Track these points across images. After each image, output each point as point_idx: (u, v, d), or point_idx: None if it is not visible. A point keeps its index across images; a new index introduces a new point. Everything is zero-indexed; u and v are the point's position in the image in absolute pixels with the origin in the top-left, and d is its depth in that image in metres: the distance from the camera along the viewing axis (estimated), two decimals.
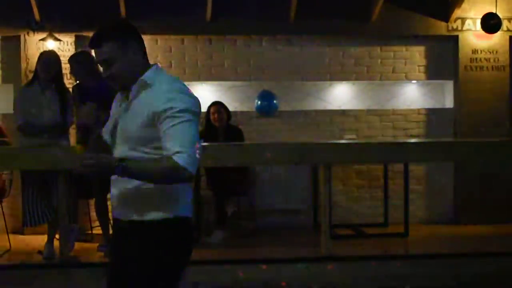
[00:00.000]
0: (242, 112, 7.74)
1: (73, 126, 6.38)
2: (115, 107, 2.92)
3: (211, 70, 7.74)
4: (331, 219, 6.05)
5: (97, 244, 6.23)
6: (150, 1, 7.40)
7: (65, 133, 6.23)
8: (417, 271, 5.62)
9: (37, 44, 7.23)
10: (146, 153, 2.71)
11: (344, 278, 5.55)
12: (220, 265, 5.44)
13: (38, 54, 6.26)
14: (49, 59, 6.05)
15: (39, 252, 6.03)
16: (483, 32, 7.62)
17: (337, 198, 7.63)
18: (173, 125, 2.64)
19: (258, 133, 7.77)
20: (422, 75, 8.02)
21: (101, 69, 6.77)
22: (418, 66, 8.01)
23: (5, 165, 5.91)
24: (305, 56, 7.86)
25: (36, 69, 6.10)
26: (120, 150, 2.78)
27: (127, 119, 2.77)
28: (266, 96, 7.73)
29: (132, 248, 2.76)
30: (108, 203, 6.35)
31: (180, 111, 2.65)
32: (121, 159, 2.62)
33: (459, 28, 7.79)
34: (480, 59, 7.82)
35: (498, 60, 7.82)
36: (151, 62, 2.89)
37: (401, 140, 7.64)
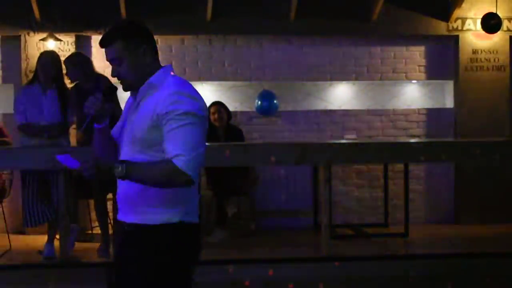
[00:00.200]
0: (242, 112, 7.75)
1: (73, 126, 6.39)
2: (125, 108, 2.91)
3: (211, 70, 7.75)
4: (332, 219, 6.05)
5: (98, 244, 6.22)
6: (150, 1, 7.40)
7: (65, 133, 6.23)
8: (417, 271, 5.61)
9: (37, 44, 7.23)
10: (151, 155, 2.68)
11: (344, 278, 5.55)
12: (220, 265, 5.44)
13: (38, 54, 6.26)
14: (49, 59, 6.05)
15: (39, 252, 6.03)
16: (483, 32, 7.61)
17: (338, 198, 7.63)
18: (175, 128, 2.62)
19: (258, 133, 7.77)
20: (422, 75, 8.02)
21: (97, 69, 6.75)
22: (418, 66, 8.01)
23: (5, 165, 5.91)
24: (305, 56, 7.86)
25: (36, 69, 6.10)
26: (126, 151, 2.77)
27: (134, 121, 2.76)
28: (267, 96, 7.73)
29: (134, 251, 2.74)
30: (108, 203, 6.35)
31: (183, 113, 2.62)
32: (121, 162, 2.62)
33: (460, 28, 7.79)
34: (480, 59, 7.81)
35: (498, 60, 7.82)
36: None
37: (401, 140, 7.64)
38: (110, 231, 6.28)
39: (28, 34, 7.26)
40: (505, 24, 7.74)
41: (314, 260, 5.74)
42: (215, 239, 6.62)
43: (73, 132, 6.55)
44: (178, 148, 2.59)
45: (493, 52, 7.82)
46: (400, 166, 7.45)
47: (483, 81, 7.82)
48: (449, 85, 8.01)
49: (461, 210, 7.78)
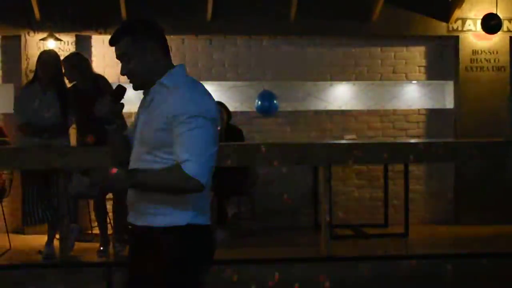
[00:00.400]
0: (242, 112, 7.75)
1: (73, 126, 6.39)
2: (138, 108, 2.89)
3: (211, 70, 7.75)
4: (331, 219, 6.04)
5: (97, 244, 6.22)
6: (151, 1, 7.40)
7: (66, 133, 6.23)
8: (417, 272, 5.61)
9: (37, 44, 7.23)
10: (160, 157, 2.65)
11: (344, 278, 5.55)
12: (220, 265, 5.43)
13: (38, 54, 6.26)
14: (48, 58, 6.04)
15: (39, 252, 6.03)
16: (483, 33, 7.61)
17: (337, 198, 7.63)
18: (183, 132, 2.58)
19: (258, 133, 7.77)
20: (423, 76, 8.02)
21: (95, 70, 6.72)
22: (419, 66, 8.02)
23: (5, 165, 5.91)
24: (305, 56, 7.86)
25: (36, 68, 6.10)
26: (137, 152, 2.75)
27: (144, 121, 2.74)
28: (267, 96, 7.73)
29: (143, 254, 2.73)
30: (108, 203, 6.35)
31: (191, 117, 2.57)
32: (131, 171, 2.60)
33: (460, 28, 7.79)
34: (481, 60, 7.82)
35: (498, 60, 7.83)
36: None
37: (401, 140, 7.64)
38: (110, 231, 6.29)
39: (28, 34, 7.26)
40: (505, 24, 7.75)
41: (314, 260, 5.74)
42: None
43: (73, 132, 6.55)
44: (187, 153, 2.55)
45: (493, 52, 7.82)
46: (400, 167, 7.44)
47: (483, 81, 7.82)
48: (449, 86, 8.01)
49: (461, 210, 7.78)
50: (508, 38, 7.84)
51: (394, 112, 8.01)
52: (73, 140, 6.49)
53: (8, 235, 6.47)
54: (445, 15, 7.76)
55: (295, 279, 5.48)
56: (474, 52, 7.82)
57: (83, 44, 7.33)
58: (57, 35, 7.21)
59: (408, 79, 8.01)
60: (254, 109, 7.77)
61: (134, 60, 2.73)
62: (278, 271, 5.52)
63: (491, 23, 7.49)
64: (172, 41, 7.66)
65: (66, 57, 6.22)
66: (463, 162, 7.39)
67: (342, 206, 7.73)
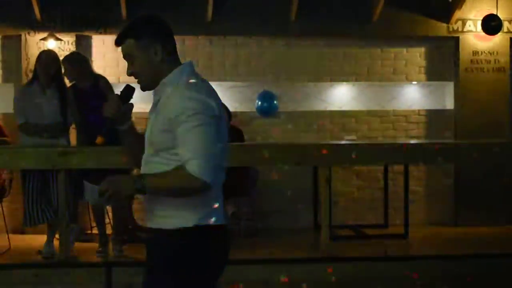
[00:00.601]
0: (242, 113, 7.74)
1: (73, 126, 6.39)
2: (150, 109, 2.86)
3: (211, 70, 7.74)
4: (331, 220, 6.04)
5: (97, 244, 6.22)
6: (151, 1, 7.40)
7: (65, 133, 6.23)
8: (417, 273, 5.61)
9: (37, 43, 7.23)
10: (167, 158, 2.63)
11: (344, 279, 5.54)
12: None
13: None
14: (48, 58, 6.05)
15: (39, 252, 6.03)
16: (483, 34, 7.61)
17: (337, 199, 7.62)
18: (185, 131, 2.55)
19: (258, 133, 7.77)
20: (423, 76, 8.02)
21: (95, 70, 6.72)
22: (419, 67, 8.02)
23: (5, 165, 5.90)
24: (305, 57, 7.86)
25: (35, 68, 6.10)
26: (146, 154, 2.74)
27: (152, 123, 2.72)
28: (267, 97, 7.73)
29: (154, 256, 2.73)
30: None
31: (192, 115, 2.55)
32: (139, 176, 2.58)
33: (460, 29, 7.79)
34: (481, 61, 7.82)
35: (498, 61, 7.83)
36: None
37: (401, 141, 7.64)
38: (109, 231, 6.28)
39: (29, 33, 7.26)
40: (506, 25, 7.75)
41: (313, 260, 5.74)
42: None
43: (73, 132, 6.55)
44: (189, 153, 2.53)
45: (493, 53, 7.82)
46: (400, 167, 7.44)
47: (483, 82, 7.82)
48: (449, 87, 8.01)
49: (461, 211, 7.77)
50: (508, 39, 7.84)
51: (394, 112, 8.01)
52: (73, 140, 6.49)
53: (8, 235, 6.47)
54: (445, 16, 7.76)
55: (295, 279, 5.48)
56: (474, 53, 7.82)
57: (83, 44, 7.33)
58: (57, 35, 7.20)
59: (408, 80, 8.01)
60: (254, 110, 7.77)
61: (137, 61, 2.72)
62: (278, 271, 5.52)
63: (491, 24, 7.49)
64: None
65: (67, 56, 6.22)
66: (463, 163, 7.39)
67: (342, 207, 7.73)
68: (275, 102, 7.74)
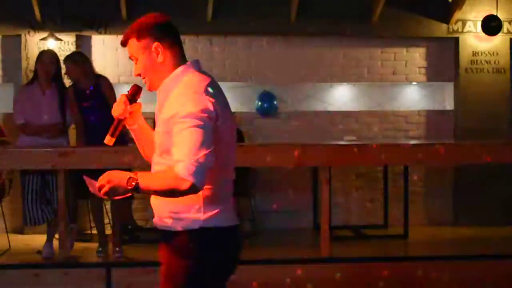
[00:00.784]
0: (242, 113, 7.74)
1: (73, 126, 6.39)
2: None
3: (211, 70, 7.73)
4: (331, 220, 6.04)
5: (97, 244, 6.22)
6: (151, 1, 7.39)
7: (65, 133, 6.24)
8: (417, 273, 5.61)
9: (37, 43, 7.23)
10: (167, 159, 2.60)
11: (343, 279, 5.54)
12: None
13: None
14: (48, 58, 6.05)
15: (39, 252, 6.03)
16: (483, 34, 7.61)
17: (337, 199, 7.62)
18: (177, 132, 2.52)
19: (258, 134, 7.76)
20: (423, 77, 8.02)
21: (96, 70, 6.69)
22: (419, 68, 8.01)
23: (5, 165, 5.90)
24: (305, 57, 7.86)
25: (35, 68, 6.10)
26: (155, 154, 2.74)
27: (157, 124, 2.71)
28: (267, 97, 7.73)
29: (162, 256, 2.73)
30: (107, 203, 6.35)
31: (185, 116, 2.51)
32: (134, 175, 2.58)
33: (460, 30, 7.79)
34: (481, 61, 7.82)
35: (498, 62, 7.83)
36: None
37: (401, 141, 7.63)
38: (108, 232, 6.28)
39: (29, 33, 7.26)
40: (506, 26, 7.75)
41: (313, 261, 5.73)
42: None
43: (72, 132, 6.55)
44: (179, 154, 2.49)
45: (493, 54, 7.82)
46: (400, 168, 7.44)
47: (483, 83, 7.82)
48: (449, 87, 8.01)
49: (461, 212, 7.78)
50: (508, 39, 7.84)
51: (394, 113, 8.01)
52: (72, 140, 6.49)
53: (7, 235, 6.47)
54: (445, 17, 7.76)
55: (294, 280, 5.48)
56: (474, 53, 7.82)
57: (83, 44, 7.32)
58: (57, 35, 7.21)
59: (408, 80, 8.01)
60: (254, 110, 7.76)
61: (141, 61, 2.72)
62: (277, 272, 5.51)
63: (491, 25, 7.49)
64: None
65: (68, 56, 6.23)
66: (462, 163, 7.38)
67: (341, 207, 7.73)
68: (275, 102, 7.74)
